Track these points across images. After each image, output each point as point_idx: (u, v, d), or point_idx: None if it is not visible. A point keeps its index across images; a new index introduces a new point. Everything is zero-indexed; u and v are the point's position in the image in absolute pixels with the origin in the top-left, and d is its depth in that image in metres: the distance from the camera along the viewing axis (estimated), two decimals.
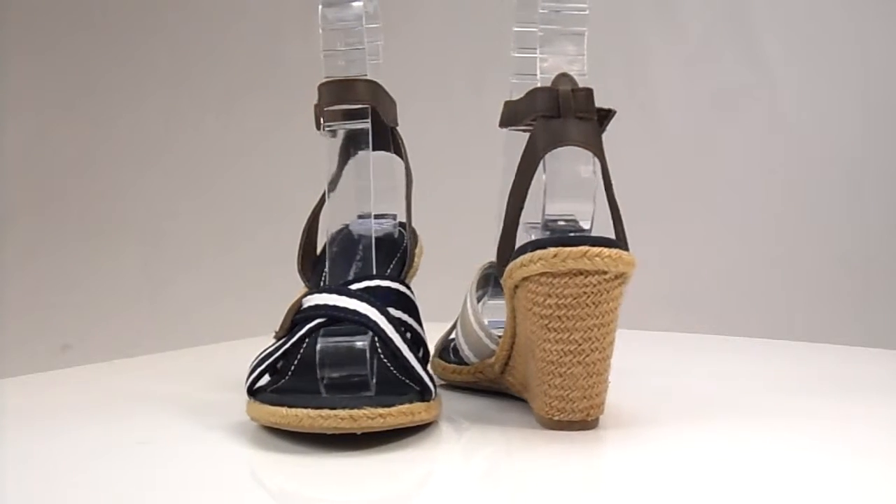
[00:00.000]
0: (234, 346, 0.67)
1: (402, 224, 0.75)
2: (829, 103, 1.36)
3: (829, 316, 1.26)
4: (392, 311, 0.63)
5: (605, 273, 0.58)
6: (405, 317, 0.65)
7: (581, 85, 0.61)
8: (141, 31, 1.43)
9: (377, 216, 0.74)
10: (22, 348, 1.25)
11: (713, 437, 0.60)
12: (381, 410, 0.56)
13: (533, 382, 0.62)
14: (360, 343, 0.60)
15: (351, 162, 0.73)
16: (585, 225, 0.61)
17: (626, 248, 0.59)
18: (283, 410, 0.57)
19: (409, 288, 0.66)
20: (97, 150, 1.42)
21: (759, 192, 1.35)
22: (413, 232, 0.74)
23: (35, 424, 0.65)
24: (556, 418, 0.60)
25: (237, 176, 1.41)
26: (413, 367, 0.60)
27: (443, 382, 0.73)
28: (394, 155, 0.74)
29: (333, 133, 0.70)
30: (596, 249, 0.58)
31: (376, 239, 0.71)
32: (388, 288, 0.65)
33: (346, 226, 0.73)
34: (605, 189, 0.62)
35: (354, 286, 0.63)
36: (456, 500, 0.51)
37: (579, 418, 0.60)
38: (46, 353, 1.27)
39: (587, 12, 0.62)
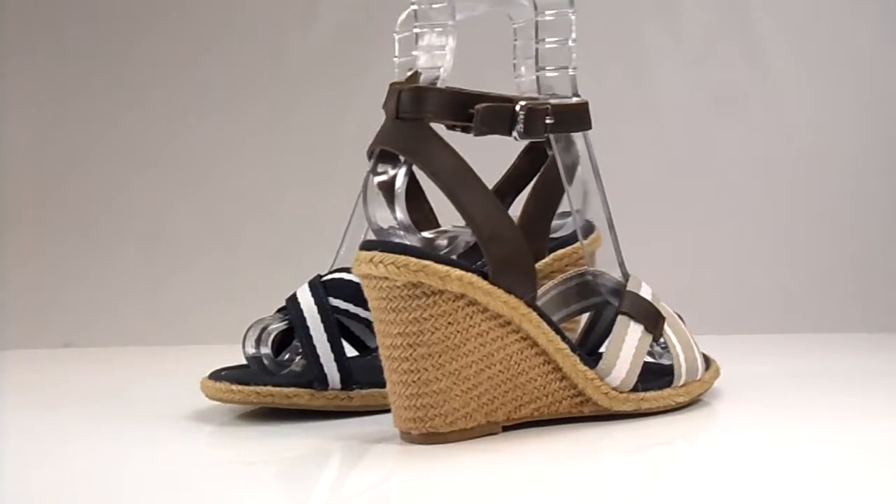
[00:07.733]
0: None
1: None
2: (831, 102, 1.36)
3: (831, 315, 1.26)
4: (337, 301, 0.66)
5: (394, 280, 0.55)
6: (354, 308, 0.67)
7: (439, 83, 0.60)
8: (140, 31, 1.43)
9: None
10: (22, 347, 1.25)
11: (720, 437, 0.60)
12: (232, 387, 0.63)
13: None
14: (256, 327, 0.65)
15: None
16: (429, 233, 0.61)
17: (429, 258, 0.56)
18: (204, 379, 0.65)
19: None
20: (97, 149, 1.42)
21: (760, 191, 1.35)
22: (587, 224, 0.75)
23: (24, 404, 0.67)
24: (394, 424, 0.59)
25: (238, 175, 1.41)
26: (316, 355, 0.63)
27: None
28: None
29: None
30: (381, 255, 0.55)
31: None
32: (351, 281, 0.66)
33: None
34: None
35: (326, 276, 0.68)
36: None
37: (405, 428, 0.58)
38: (47, 351, 1.27)
39: (446, 3, 0.61)
